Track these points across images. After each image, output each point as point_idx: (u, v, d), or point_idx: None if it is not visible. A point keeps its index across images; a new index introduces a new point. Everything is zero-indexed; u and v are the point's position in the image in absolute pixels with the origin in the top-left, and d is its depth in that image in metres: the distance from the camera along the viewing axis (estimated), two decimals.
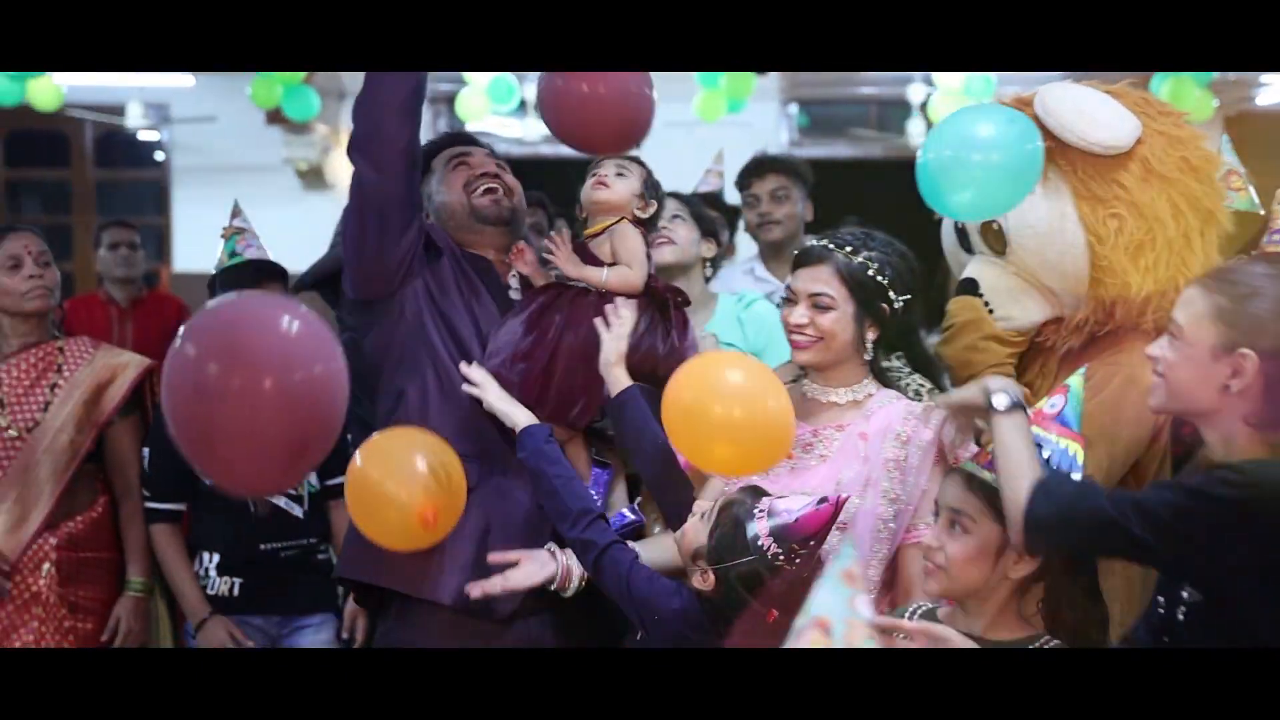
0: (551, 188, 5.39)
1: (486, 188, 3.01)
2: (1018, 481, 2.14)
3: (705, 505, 2.42)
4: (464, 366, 2.81)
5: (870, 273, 2.59)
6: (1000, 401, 2.24)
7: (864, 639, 1.29)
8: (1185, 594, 2.14)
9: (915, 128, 7.92)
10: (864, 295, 2.59)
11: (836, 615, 1.31)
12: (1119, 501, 2.10)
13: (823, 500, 2.28)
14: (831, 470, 2.59)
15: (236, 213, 3.52)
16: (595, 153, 2.95)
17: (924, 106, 7.34)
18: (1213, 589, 2.08)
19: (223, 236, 3.48)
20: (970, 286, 2.96)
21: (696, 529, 2.36)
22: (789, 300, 2.66)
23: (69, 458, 3.33)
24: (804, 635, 1.30)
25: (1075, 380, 2.32)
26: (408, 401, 2.90)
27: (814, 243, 2.67)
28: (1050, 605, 2.19)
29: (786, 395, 2.50)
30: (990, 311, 2.92)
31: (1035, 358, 2.98)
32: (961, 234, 3.05)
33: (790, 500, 2.31)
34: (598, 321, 2.78)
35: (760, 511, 2.29)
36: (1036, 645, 2.14)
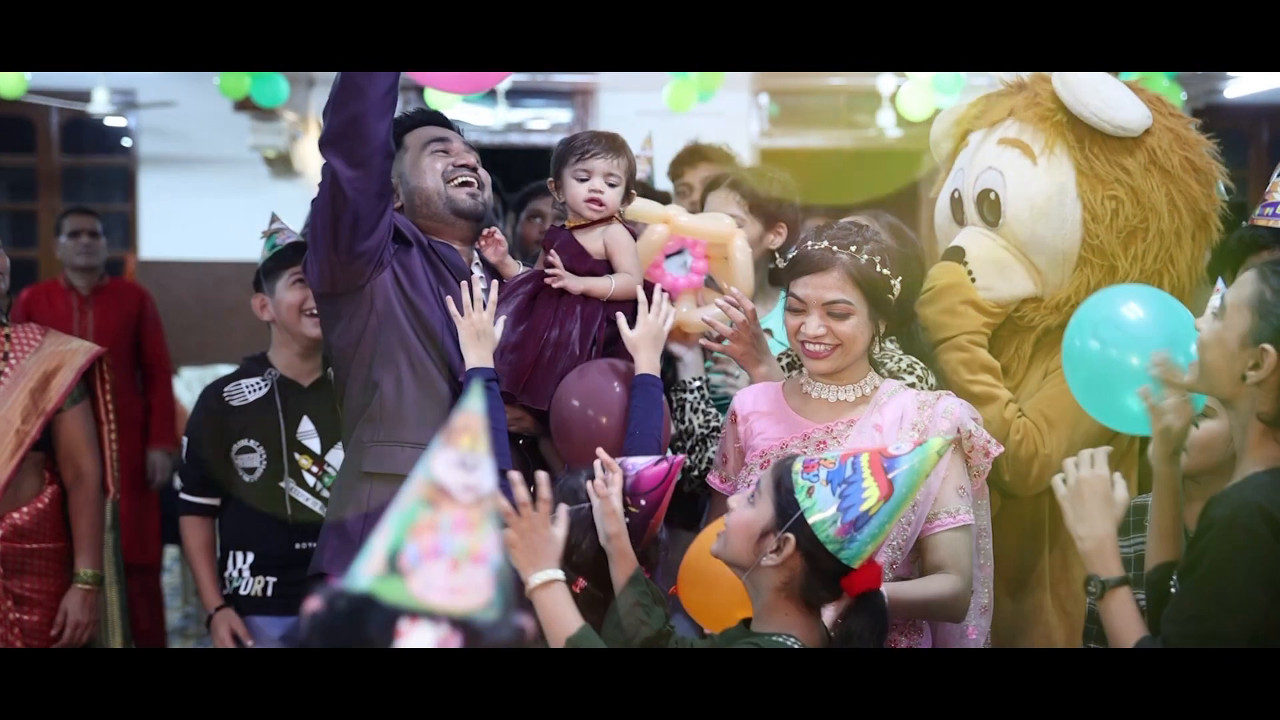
0: (518, 176, 5.37)
1: (464, 180, 2.99)
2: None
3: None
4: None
5: (877, 268, 2.51)
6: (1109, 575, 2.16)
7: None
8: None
9: (885, 118, 7.93)
10: (874, 292, 2.52)
11: None
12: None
13: (661, 460, 2.37)
14: None
15: (274, 219, 3.49)
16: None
17: (893, 98, 7.35)
18: None
19: (263, 237, 3.44)
20: (956, 254, 2.97)
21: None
22: (795, 310, 2.55)
23: (14, 447, 3.25)
24: None
25: (936, 444, 2.13)
26: (383, 394, 2.86)
27: (812, 246, 2.54)
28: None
29: None
30: (973, 280, 2.93)
31: (1011, 339, 3.00)
32: (956, 204, 3.06)
33: (636, 459, 2.39)
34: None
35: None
36: (781, 642, 2.09)
